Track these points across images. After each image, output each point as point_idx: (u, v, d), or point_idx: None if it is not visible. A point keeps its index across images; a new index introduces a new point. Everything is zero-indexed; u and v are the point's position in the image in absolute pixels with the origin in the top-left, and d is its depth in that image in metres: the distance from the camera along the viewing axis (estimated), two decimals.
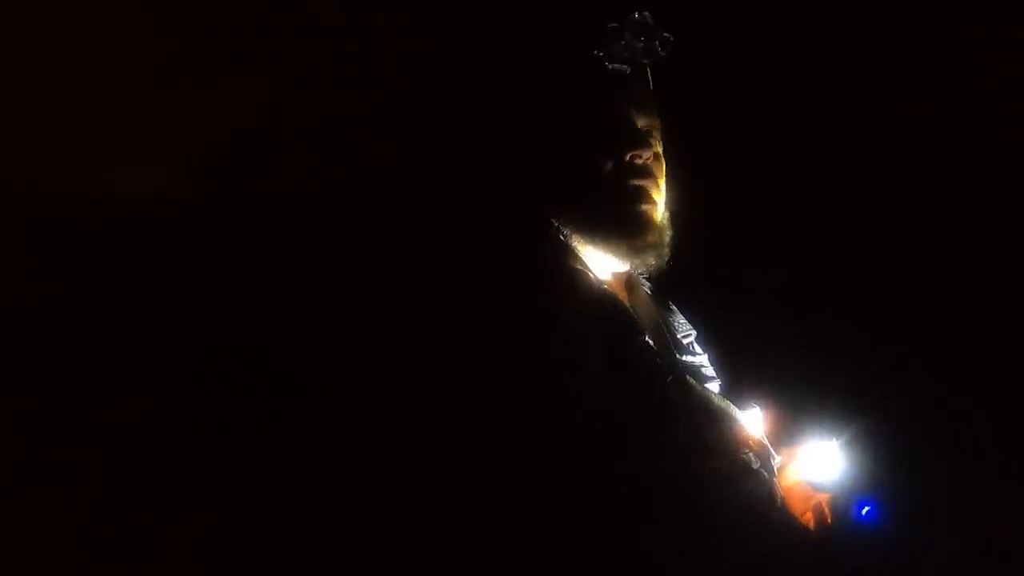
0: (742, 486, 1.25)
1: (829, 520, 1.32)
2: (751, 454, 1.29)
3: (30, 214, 1.43)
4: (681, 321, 1.55)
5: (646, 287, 1.55)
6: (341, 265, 1.51)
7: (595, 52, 1.44)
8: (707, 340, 1.55)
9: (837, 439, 1.39)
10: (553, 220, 1.40)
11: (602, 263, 1.43)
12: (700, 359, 1.49)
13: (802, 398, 1.48)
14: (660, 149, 1.44)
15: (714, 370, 1.49)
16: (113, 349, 1.43)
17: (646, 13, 1.44)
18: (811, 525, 1.33)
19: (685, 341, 1.51)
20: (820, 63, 2.00)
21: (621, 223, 1.39)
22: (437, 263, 1.38)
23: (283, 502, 1.40)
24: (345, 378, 1.42)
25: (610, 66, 1.43)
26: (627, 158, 1.39)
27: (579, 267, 1.37)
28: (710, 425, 1.28)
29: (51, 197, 1.43)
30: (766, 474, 1.30)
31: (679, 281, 1.53)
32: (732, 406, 1.36)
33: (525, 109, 1.47)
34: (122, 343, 1.43)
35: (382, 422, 1.32)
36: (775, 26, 1.99)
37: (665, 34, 1.45)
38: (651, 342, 1.32)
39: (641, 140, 1.40)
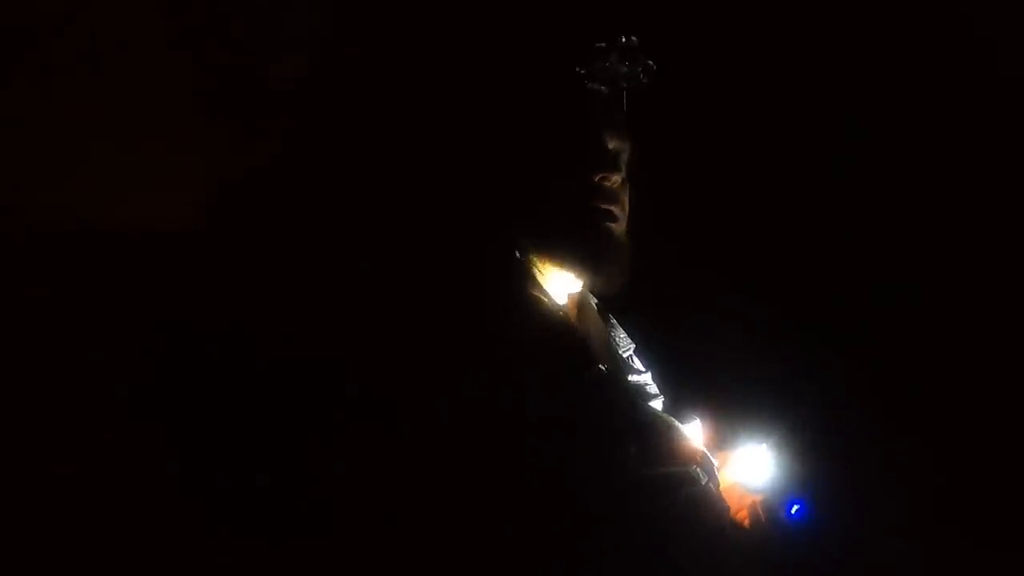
0: (692, 496, 1.33)
1: (763, 519, 1.42)
2: (698, 468, 1.38)
3: (49, 239, 1.45)
4: (622, 336, 1.60)
5: (593, 301, 1.60)
6: (320, 283, 1.53)
7: (576, 69, 1.44)
8: (644, 354, 1.61)
9: (766, 443, 1.48)
10: (514, 238, 1.42)
11: (558, 282, 1.46)
12: (644, 377, 1.54)
13: (731, 406, 1.58)
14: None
15: (657, 387, 1.56)
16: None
17: (634, 38, 1.45)
18: (747, 524, 1.45)
19: (625, 355, 1.57)
20: (754, 86, 2.11)
21: (584, 245, 1.42)
22: (402, 286, 1.40)
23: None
24: (321, 387, 1.45)
25: (589, 85, 1.44)
26: (596, 180, 1.42)
27: (537, 294, 1.40)
28: (660, 443, 1.35)
29: (71, 222, 1.44)
30: (712, 485, 1.39)
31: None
32: (676, 422, 1.43)
33: (496, 121, 1.49)
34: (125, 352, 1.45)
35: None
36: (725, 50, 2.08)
37: (649, 61, 1.47)
38: (605, 368, 1.39)
39: (611, 163, 1.43)
